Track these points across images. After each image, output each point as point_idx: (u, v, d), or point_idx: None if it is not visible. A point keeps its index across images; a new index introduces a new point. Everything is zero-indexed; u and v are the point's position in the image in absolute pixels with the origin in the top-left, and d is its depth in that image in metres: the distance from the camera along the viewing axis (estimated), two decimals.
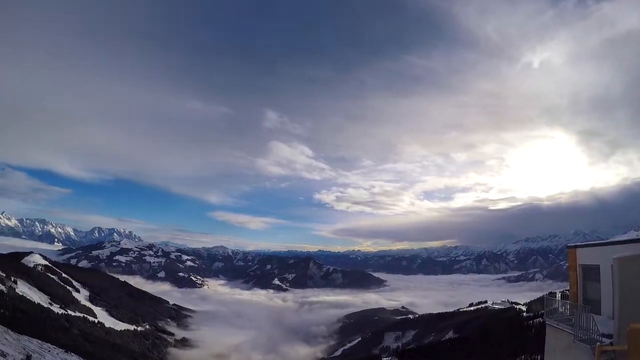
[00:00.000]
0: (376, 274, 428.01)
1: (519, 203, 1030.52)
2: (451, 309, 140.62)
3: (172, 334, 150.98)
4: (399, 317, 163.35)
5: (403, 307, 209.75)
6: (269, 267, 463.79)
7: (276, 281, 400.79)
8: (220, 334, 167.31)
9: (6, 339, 62.30)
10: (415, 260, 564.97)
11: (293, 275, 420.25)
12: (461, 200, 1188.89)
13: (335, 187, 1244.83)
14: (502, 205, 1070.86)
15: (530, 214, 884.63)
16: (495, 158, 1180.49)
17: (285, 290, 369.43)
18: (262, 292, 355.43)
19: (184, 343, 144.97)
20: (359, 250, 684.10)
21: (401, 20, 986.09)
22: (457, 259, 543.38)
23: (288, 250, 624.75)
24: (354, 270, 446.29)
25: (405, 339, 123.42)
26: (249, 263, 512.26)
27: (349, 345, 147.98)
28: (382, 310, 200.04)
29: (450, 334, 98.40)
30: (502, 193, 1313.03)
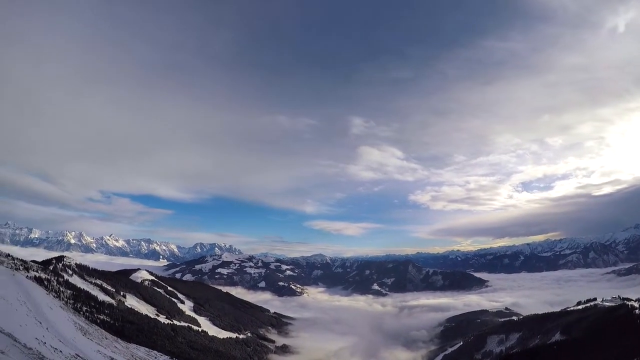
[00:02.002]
0: (477, 274, 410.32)
1: (625, 186, 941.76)
2: (557, 309, 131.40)
3: (273, 341, 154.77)
4: (502, 319, 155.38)
5: (506, 308, 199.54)
6: (367, 272, 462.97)
7: (375, 286, 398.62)
8: (319, 340, 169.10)
9: (116, 346, 67.08)
10: (518, 257, 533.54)
11: (392, 279, 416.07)
12: (562, 189, 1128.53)
13: (430, 186, 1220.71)
14: (607, 189, 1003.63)
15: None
16: (594, 138, 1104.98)
17: (384, 295, 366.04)
18: (362, 297, 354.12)
19: (284, 350, 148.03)
20: (458, 250, 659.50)
21: (473, 5, 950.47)
22: (562, 253, 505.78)
23: (386, 255, 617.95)
24: (454, 272, 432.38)
25: (509, 342, 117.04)
26: (348, 269, 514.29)
27: (450, 350, 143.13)
28: (484, 312, 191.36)
29: (557, 336, 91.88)
30: (605, 176, 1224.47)
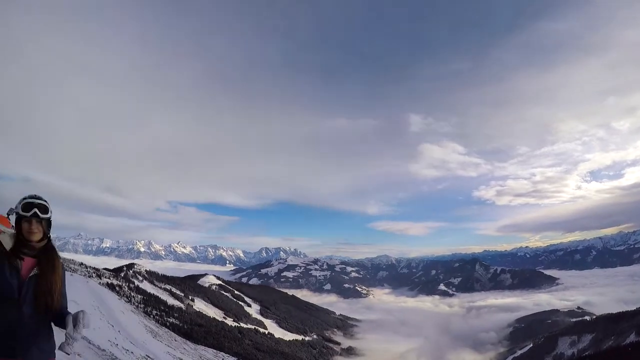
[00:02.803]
0: (547, 272, 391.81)
1: None
2: (632, 307, 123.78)
3: (339, 343, 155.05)
4: (573, 319, 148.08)
5: (578, 307, 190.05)
6: (433, 272, 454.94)
7: (442, 286, 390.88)
8: (385, 342, 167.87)
9: (185, 348, 69.73)
10: (590, 252, 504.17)
11: (459, 279, 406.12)
12: (633, 176, 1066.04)
13: (494, 181, 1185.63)
14: None
15: None
16: None
17: (451, 295, 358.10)
18: (428, 298, 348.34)
19: (349, 352, 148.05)
20: (527, 247, 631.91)
21: None
22: (636, 246, 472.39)
23: (452, 254, 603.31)
24: (523, 269, 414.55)
25: (582, 344, 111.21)
26: (413, 270, 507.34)
27: (519, 352, 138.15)
28: (555, 312, 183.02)
29: (632, 337, 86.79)
30: None
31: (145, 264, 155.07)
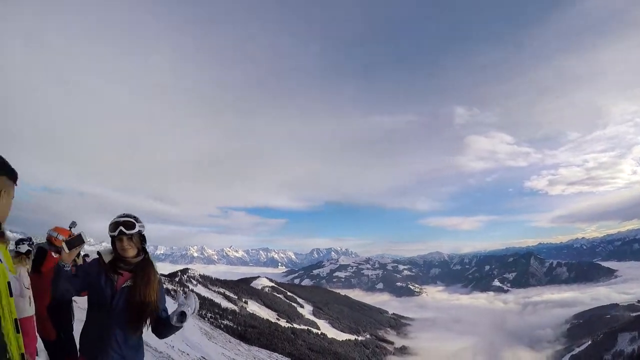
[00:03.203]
0: (605, 264, 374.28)
1: None
2: None
3: (392, 342, 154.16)
4: (634, 314, 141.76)
5: (638, 301, 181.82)
6: (487, 268, 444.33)
7: (496, 282, 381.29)
8: (439, 341, 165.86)
9: (239, 349, 71.40)
10: None
11: (513, 274, 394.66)
12: None
13: (545, 170, 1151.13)
14: None
15: None
16: None
17: (506, 291, 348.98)
18: (482, 295, 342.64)
19: (403, 351, 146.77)
20: (582, 238, 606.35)
21: None
22: None
23: (505, 248, 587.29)
24: (580, 262, 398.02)
25: None
26: (466, 266, 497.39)
27: (577, 349, 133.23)
28: (614, 306, 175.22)
29: None
30: None
31: (198, 269, 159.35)
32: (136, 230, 3.23)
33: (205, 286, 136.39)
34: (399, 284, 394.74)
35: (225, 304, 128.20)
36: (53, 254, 5.03)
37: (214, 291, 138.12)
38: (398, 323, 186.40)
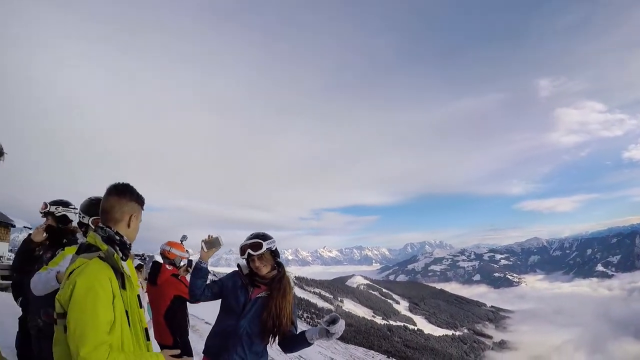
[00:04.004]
0: None
1: None
2: None
3: (490, 337, 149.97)
4: None
5: None
6: (589, 252, 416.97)
7: (599, 267, 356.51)
8: (540, 333, 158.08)
9: (335, 348, 72.80)
10: None
11: (618, 257, 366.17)
12: None
13: None
14: None
15: None
16: None
17: (610, 276, 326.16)
18: (584, 282, 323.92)
19: (502, 346, 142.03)
20: None
21: None
22: None
23: (608, 229, 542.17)
24: None
25: None
26: (567, 251, 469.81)
27: None
28: None
29: None
30: None
31: (294, 271, 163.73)
32: (264, 250, 3.40)
33: (301, 287, 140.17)
34: (496, 274, 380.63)
35: (321, 303, 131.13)
36: (167, 266, 5.49)
37: (310, 291, 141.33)
38: (497, 316, 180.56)
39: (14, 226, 29.61)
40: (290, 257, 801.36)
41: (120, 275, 2.19)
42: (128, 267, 2.32)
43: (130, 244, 2.40)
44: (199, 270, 3.51)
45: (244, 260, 3.56)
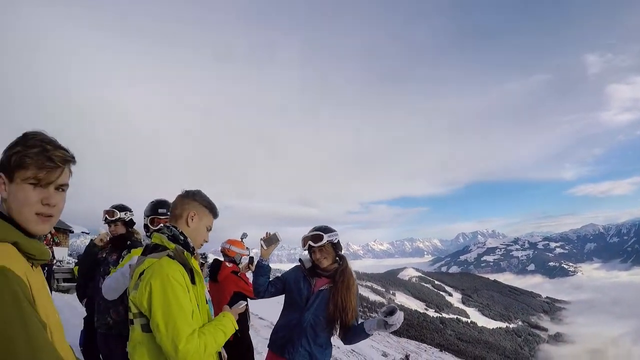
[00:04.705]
0: None
1: None
2: None
3: (545, 329, 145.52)
4: None
5: None
6: None
7: None
8: (597, 325, 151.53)
9: (388, 341, 73.11)
10: None
11: None
12: None
13: None
14: None
15: None
16: None
17: None
18: None
19: (557, 338, 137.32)
20: None
21: None
22: None
23: None
24: None
25: None
26: (624, 237, 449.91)
27: None
28: None
29: None
30: None
31: (354, 272, 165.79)
32: (324, 242, 3.48)
33: (358, 284, 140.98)
34: (551, 263, 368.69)
35: (373, 297, 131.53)
36: (227, 263, 5.62)
37: (362, 285, 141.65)
38: (552, 307, 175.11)
39: (72, 232, 31.66)
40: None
41: (189, 271, 2.23)
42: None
43: (193, 247, 2.41)
44: (261, 268, 3.69)
45: (307, 255, 3.73)
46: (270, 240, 3.65)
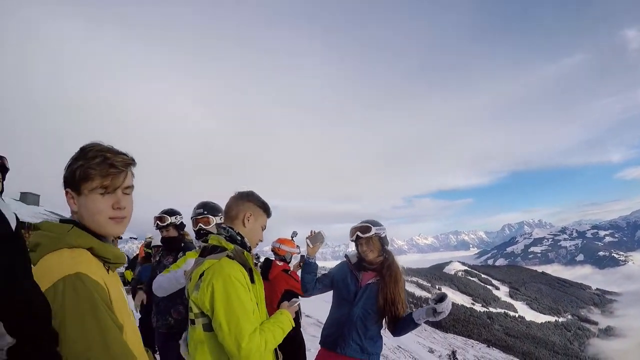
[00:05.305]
0: None
1: None
2: None
3: (596, 323, 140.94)
4: None
5: None
6: None
7: None
8: None
9: (434, 337, 72.93)
10: None
11: None
12: None
13: None
14: None
15: None
16: None
17: None
18: None
19: (608, 332, 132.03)
20: None
21: None
22: None
23: None
24: None
25: None
26: None
27: None
28: None
29: None
30: None
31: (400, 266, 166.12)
32: (372, 233, 3.51)
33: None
34: (601, 253, 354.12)
35: (419, 292, 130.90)
36: (278, 262, 5.64)
37: (407, 281, 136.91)
38: (602, 300, 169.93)
39: (121, 238, 33.32)
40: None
41: (249, 270, 2.30)
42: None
43: (250, 247, 2.49)
44: (308, 266, 3.85)
45: (352, 251, 3.90)
46: (316, 239, 3.85)
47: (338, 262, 3.99)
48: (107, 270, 1.47)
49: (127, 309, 1.49)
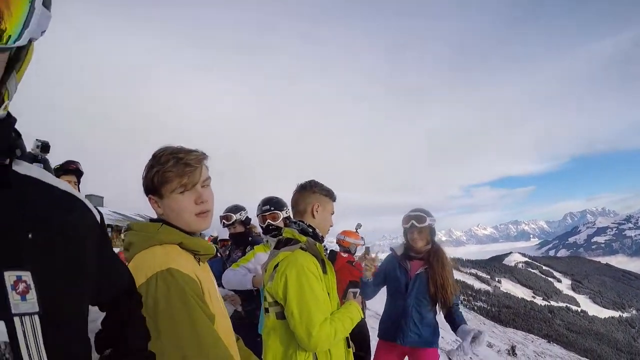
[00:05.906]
0: None
1: None
2: None
3: None
4: None
5: None
6: None
7: None
8: None
9: (493, 331, 73.23)
10: None
11: None
12: None
13: None
14: None
15: None
16: None
17: None
18: None
19: None
20: None
21: None
22: None
23: None
24: None
25: None
26: None
27: None
28: None
29: None
30: None
31: (448, 252, 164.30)
32: (426, 223, 3.59)
33: (456, 269, 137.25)
34: None
35: (477, 284, 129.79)
36: (342, 254, 5.69)
37: (466, 273, 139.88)
38: None
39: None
40: (443, 239, 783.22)
41: (321, 261, 2.31)
42: None
43: (322, 236, 2.50)
44: (366, 286, 3.79)
45: (397, 243, 4.03)
46: (372, 262, 3.84)
47: (384, 255, 4.28)
48: (198, 262, 1.52)
49: (218, 297, 1.54)
